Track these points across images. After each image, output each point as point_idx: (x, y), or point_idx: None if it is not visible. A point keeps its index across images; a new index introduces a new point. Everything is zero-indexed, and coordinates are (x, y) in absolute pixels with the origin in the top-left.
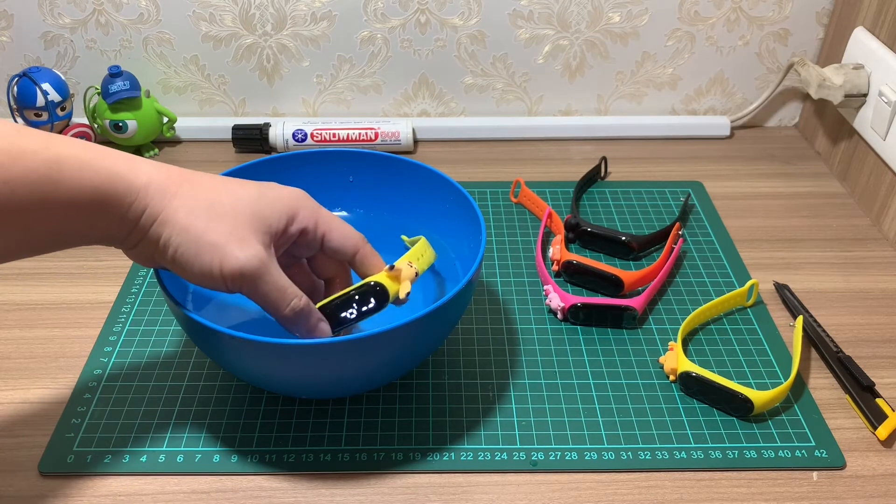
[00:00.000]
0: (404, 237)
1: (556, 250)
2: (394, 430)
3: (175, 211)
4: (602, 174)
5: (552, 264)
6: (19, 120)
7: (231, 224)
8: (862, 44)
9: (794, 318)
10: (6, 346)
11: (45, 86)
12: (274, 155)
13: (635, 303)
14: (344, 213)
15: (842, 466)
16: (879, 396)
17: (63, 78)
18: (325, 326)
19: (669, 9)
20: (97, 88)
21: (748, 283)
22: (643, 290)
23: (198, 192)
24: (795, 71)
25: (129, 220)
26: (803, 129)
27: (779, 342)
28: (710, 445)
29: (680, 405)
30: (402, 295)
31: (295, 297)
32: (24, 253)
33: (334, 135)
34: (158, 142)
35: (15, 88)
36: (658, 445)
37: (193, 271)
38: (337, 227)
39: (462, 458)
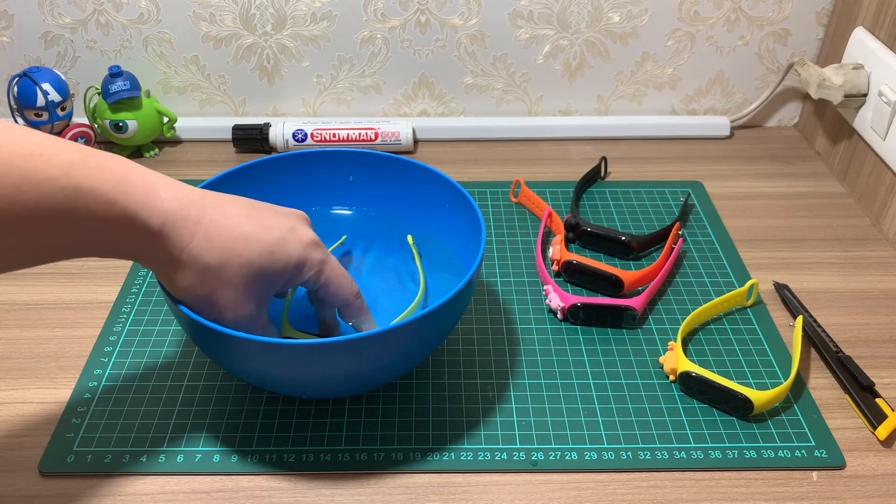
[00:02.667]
0: (410, 238)
1: (556, 250)
2: (394, 430)
3: (184, 266)
4: (602, 174)
5: (552, 264)
6: (20, 120)
7: (234, 293)
8: (862, 44)
9: (794, 318)
10: (6, 346)
11: (46, 86)
12: (274, 155)
13: (635, 303)
14: (345, 213)
15: (842, 466)
16: (879, 396)
17: (63, 78)
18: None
19: (669, 9)
20: (97, 88)
21: (748, 283)
22: (643, 290)
23: (213, 239)
24: (795, 71)
25: (140, 258)
26: (803, 129)
27: (779, 342)
28: (710, 445)
29: (680, 405)
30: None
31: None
32: (27, 265)
33: (334, 135)
34: (158, 142)
35: (15, 88)
36: (658, 445)
37: (188, 306)
38: (335, 279)
39: (462, 458)
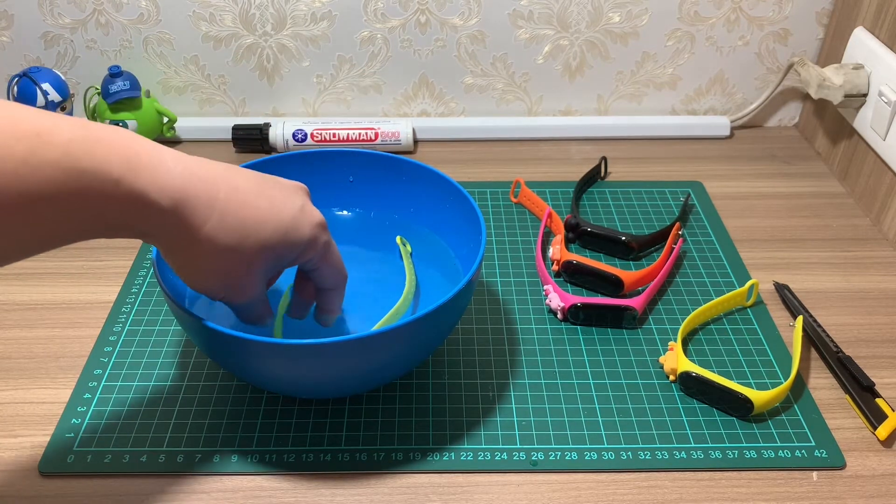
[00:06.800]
0: (399, 238)
1: (556, 250)
2: (394, 430)
3: (197, 248)
4: (602, 174)
5: (552, 264)
6: None
7: (245, 274)
8: (862, 44)
9: (794, 318)
10: (6, 346)
11: (46, 86)
12: (274, 155)
13: (635, 303)
14: (344, 213)
15: (842, 466)
16: (879, 396)
17: (63, 78)
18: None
19: (669, 9)
20: (97, 88)
21: (748, 283)
22: (643, 290)
23: (227, 220)
24: (795, 71)
25: (150, 237)
26: (803, 129)
27: (779, 342)
28: (710, 445)
29: (680, 405)
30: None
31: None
32: (34, 252)
33: (334, 135)
34: (158, 142)
35: (15, 88)
36: (658, 445)
37: (195, 287)
38: (334, 263)
39: (462, 458)
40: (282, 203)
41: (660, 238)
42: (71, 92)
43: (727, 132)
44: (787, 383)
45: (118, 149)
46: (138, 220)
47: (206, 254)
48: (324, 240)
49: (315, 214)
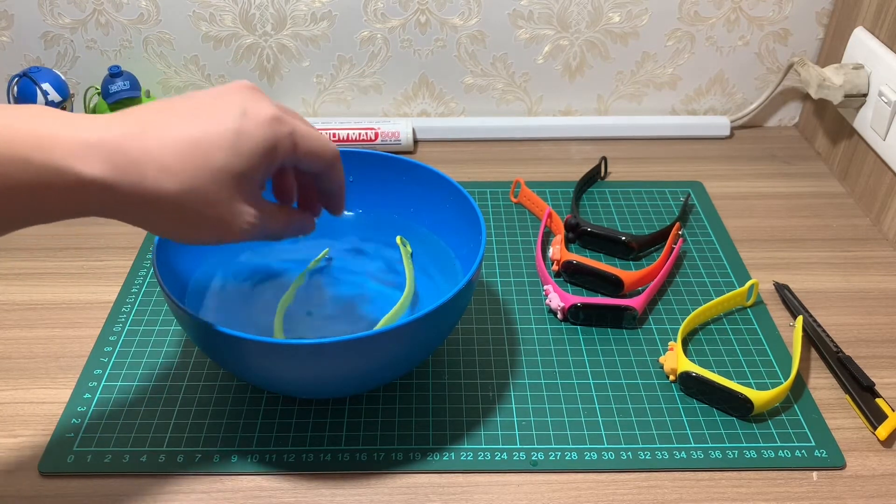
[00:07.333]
0: (399, 238)
1: (556, 250)
2: (394, 430)
3: (150, 205)
4: (602, 174)
5: (552, 264)
6: None
7: (222, 206)
8: (862, 44)
9: (794, 318)
10: (6, 346)
11: (46, 86)
12: None
13: (635, 303)
14: (344, 213)
15: (842, 466)
16: (879, 396)
17: (63, 78)
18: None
19: (669, 9)
20: (97, 88)
21: (748, 283)
22: (643, 290)
23: (167, 161)
24: (795, 71)
25: (96, 212)
26: (803, 129)
27: (779, 342)
28: (710, 445)
29: (680, 405)
30: None
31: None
32: None
33: (334, 135)
34: None
35: (15, 88)
36: (658, 445)
37: (188, 242)
38: (311, 146)
39: (462, 458)
40: (219, 119)
41: (660, 238)
42: (71, 92)
43: (727, 132)
44: (787, 383)
45: (18, 126)
46: (69, 196)
47: (165, 207)
48: (285, 131)
49: (261, 111)
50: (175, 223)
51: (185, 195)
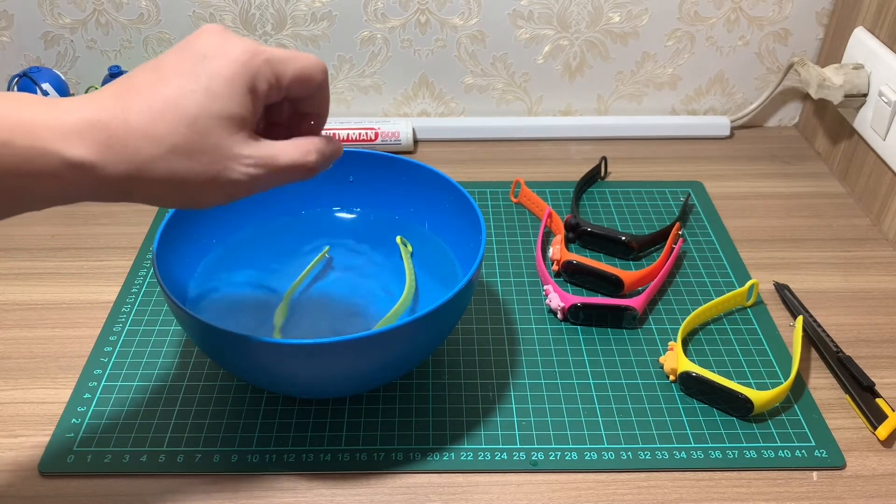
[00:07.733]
0: (399, 238)
1: (556, 250)
2: (394, 430)
3: (150, 177)
4: (602, 174)
5: (552, 264)
6: None
7: (223, 162)
8: (862, 44)
9: (794, 318)
10: (6, 346)
11: (46, 86)
12: None
13: (635, 303)
14: (344, 214)
15: (842, 466)
16: (879, 396)
17: (63, 78)
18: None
19: (669, 9)
20: (97, 88)
21: (748, 283)
22: (643, 290)
23: (159, 135)
24: (795, 71)
25: (92, 197)
26: (803, 129)
27: (779, 342)
28: (710, 445)
29: (680, 405)
30: None
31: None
32: None
33: (334, 135)
34: None
35: (15, 88)
36: (658, 445)
37: (200, 206)
38: (294, 73)
39: (462, 458)
40: (185, 69)
41: (660, 238)
42: (71, 92)
43: (727, 132)
44: (787, 383)
45: (2, 113)
46: (58, 179)
47: (157, 174)
48: (258, 61)
49: (229, 49)
50: (172, 188)
51: (171, 155)
